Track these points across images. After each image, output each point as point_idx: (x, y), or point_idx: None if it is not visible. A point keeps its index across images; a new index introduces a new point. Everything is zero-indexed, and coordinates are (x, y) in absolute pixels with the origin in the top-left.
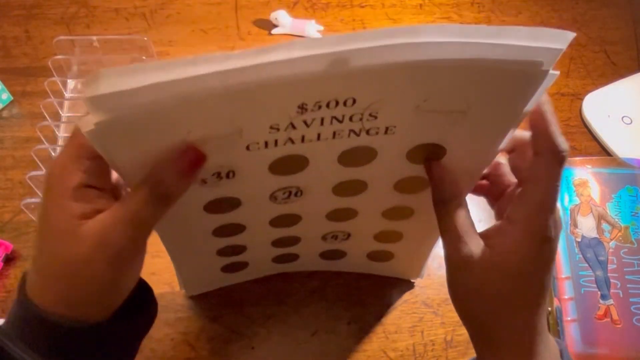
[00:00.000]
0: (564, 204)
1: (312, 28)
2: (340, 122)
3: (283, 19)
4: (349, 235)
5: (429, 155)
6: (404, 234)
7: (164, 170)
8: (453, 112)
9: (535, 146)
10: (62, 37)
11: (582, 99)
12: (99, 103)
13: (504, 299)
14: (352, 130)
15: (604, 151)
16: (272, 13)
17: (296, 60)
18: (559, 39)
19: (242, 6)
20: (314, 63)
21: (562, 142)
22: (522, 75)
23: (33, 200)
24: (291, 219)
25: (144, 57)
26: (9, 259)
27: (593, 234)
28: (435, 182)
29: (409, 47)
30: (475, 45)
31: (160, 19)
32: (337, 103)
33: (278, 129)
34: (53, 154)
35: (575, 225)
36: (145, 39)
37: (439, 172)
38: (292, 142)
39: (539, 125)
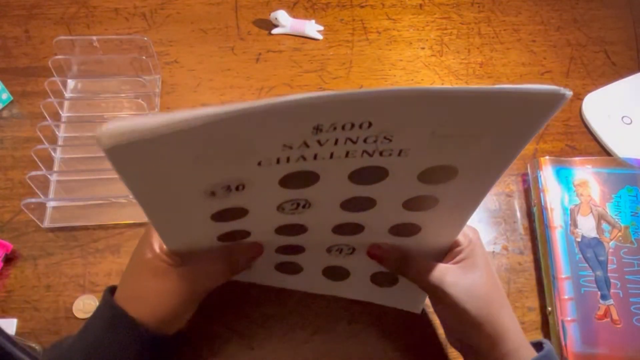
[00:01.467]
0: (564, 204)
1: (311, 28)
2: (354, 143)
3: (283, 19)
4: (353, 249)
5: (438, 178)
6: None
7: (240, 256)
8: (467, 136)
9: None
10: (62, 37)
11: (582, 99)
12: (112, 137)
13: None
14: (365, 151)
15: (604, 151)
16: (272, 13)
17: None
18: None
19: (242, 6)
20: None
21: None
22: (547, 98)
23: (33, 200)
24: (297, 229)
25: (144, 57)
26: (9, 259)
27: (593, 234)
28: (390, 262)
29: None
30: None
31: (160, 19)
32: (352, 125)
33: (291, 147)
34: (53, 154)
35: (575, 225)
36: (145, 39)
37: (387, 254)
38: (304, 159)
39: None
